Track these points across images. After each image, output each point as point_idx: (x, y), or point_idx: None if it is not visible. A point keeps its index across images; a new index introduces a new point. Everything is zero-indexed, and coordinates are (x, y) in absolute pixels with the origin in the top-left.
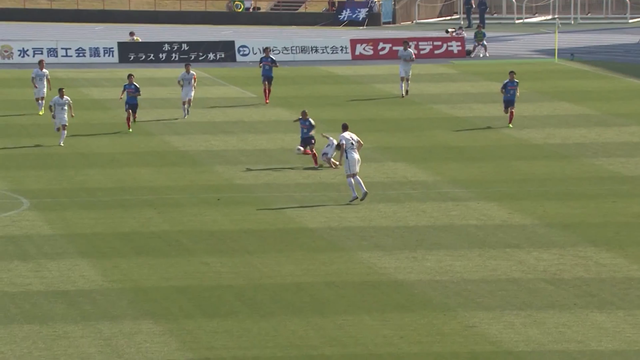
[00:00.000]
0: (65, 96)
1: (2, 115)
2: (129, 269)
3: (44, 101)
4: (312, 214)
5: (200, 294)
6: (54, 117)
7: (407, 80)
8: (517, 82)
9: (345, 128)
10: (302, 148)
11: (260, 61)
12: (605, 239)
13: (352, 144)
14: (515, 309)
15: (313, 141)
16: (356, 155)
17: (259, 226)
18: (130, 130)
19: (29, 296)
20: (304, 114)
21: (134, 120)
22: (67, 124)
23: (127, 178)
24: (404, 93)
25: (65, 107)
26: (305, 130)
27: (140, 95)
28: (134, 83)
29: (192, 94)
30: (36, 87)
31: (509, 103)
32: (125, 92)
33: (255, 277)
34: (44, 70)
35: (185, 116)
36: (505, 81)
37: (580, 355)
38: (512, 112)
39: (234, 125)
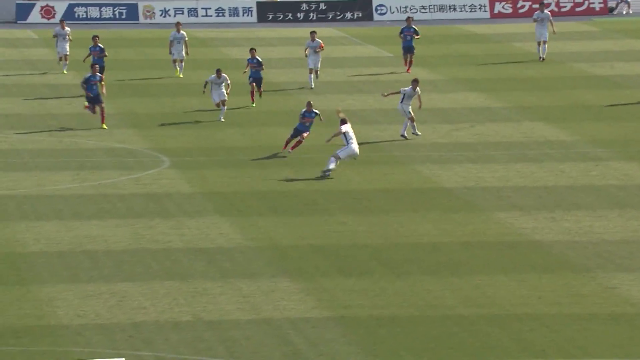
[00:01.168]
0: (223, 74)
1: (144, 77)
2: (266, 227)
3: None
4: (448, 174)
5: (336, 253)
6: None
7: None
8: (413, 28)
9: (343, 122)
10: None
11: (402, 32)
12: None
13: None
14: None
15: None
16: (356, 149)
17: (394, 186)
18: (254, 104)
19: (170, 253)
20: (309, 105)
21: (260, 95)
22: (226, 99)
23: (264, 137)
24: (542, 56)
25: (222, 86)
26: (307, 125)
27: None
28: (257, 57)
29: (319, 62)
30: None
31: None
32: (248, 67)
33: (391, 237)
34: (66, 29)
35: (311, 85)
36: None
37: None
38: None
39: (370, 85)
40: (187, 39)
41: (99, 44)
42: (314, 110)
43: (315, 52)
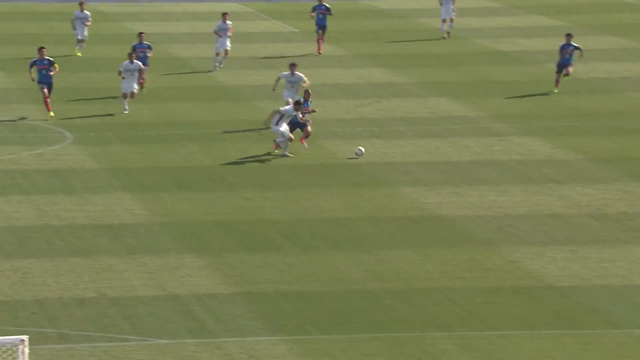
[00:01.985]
0: (136, 61)
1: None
2: (172, 203)
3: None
4: (354, 149)
5: (243, 229)
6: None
7: (451, 20)
8: (573, 45)
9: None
10: (361, 149)
11: (314, 9)
12: None
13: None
14: (558, 244)
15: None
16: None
17: (300, 161)
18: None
19: (74, 229)
20: (307, 93)
21: (142, 88)
22: (135, 91)
23: (170, 113)
24: (448, 32)
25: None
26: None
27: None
28: (145, 42)
29: (229, 44)
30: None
31: (564, 66)
32: (135, 53)
33: (298, 212)
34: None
35: (216, 68)
36: (562, 44)
37: (624, 290)
38: (566, 74)
39: (276, 60)
40: (90, 19)
41: None
42: (310, 100)
43: (226, 35)
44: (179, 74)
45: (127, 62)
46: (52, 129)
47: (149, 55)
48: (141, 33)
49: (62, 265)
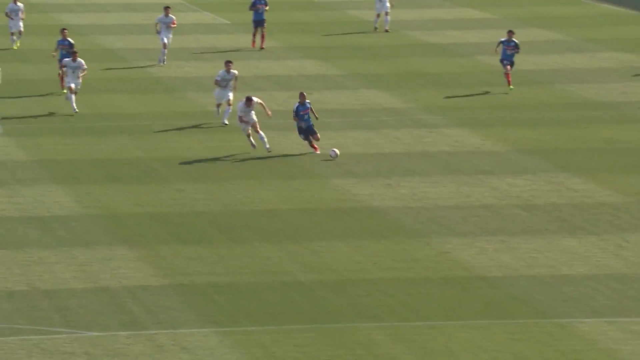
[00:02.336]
0: (79, 59)
1: None
2: (103, 195)
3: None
4: (286, 141)
5: (174, 221)
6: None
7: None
8: (514, 42)
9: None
10: (336, 151)
11: (253, 4)
12: (577, 165)
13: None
14: (488, 234)
15: (314, 128)
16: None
17: (232, 153)
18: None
19: (3, 222)
20: (302, 96)
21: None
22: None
23: (101, 104)
24: (386, 27)
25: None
26: (306, 117)
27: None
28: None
29: (170, 38)
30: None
31: (508, 62)
32: (59, 49)
33: (230, 204)
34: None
35: (160, 62)
36: (502, 39)
37: (552, 280)
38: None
39: (207, 53)
40: (23, 11)
41: None
42: (307, 101)
43: (168, 28)
44: (111, 66)
45: (69, 59)
46: None
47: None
48: (64, 29)
49: None
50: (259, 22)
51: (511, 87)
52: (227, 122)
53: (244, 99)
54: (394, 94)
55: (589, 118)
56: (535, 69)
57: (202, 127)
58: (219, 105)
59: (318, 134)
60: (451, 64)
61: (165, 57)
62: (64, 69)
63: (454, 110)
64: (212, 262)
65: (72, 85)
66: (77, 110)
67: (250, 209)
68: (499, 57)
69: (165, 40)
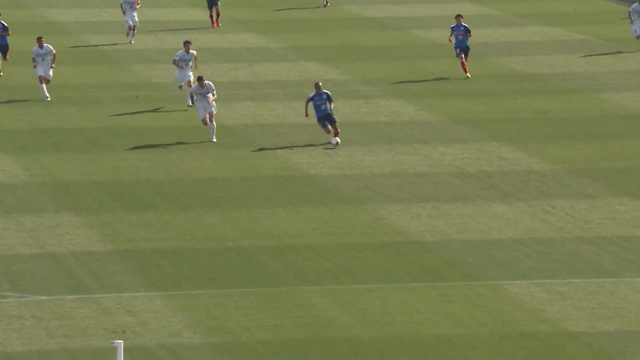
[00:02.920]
0: (46, 45)
1: None
2: (49, 164)
3: None
4: (228, 112)
5: (119, 189)
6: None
7: None
8: (464, 26)
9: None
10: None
11: None
12: (507, 134)
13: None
14: (422, 201)
15: (334, 117)
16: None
17: (176, 123)
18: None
19: None
20: (318, 87)
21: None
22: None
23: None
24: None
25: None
26: (323, 107)
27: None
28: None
29: (136, 17)
30: None
31: (462, 50)
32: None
33: (174, 172)
34: None
35: (130, 41)
36: (452, 25)
37: (482, 244)
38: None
39: (151, 25)
40: None
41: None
42: (325, 91)
43: (132, 8)
44: (53, 37)
45: (36, 47)
46: None
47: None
48: None
49: None
50: (213, 1)
51: (468, 75)
52: (191, 104)
53: (197, 80)
54: (332, 66)
55: (518, 89)
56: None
57: (147, 99)
58: (180, 87)
59: (337, 123)
60: (386, 37)
61: (132, 38)
62: (34, 58)
63: (389, 81)
64: (157, 229)
65: (43, 74)
66: (49, 98)
67: (193, 177)
68: (452, 45)
69: (131, 22)
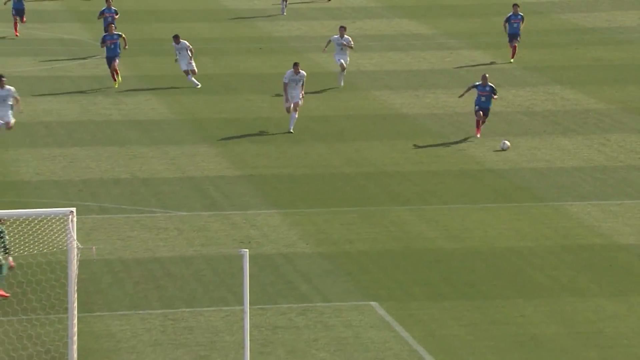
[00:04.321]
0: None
1: None
2: (188, 104)
3: None
4: (333, 61)
5: (245, 124)
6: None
7: None
8: (521, 15)
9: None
10: (506, 143)
11: None
12: (569, 79)
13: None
14: (496, 135)
15: (489, 113)
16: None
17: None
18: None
19: (111, 124)
20: (484, 78)
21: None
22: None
23: (185, 30)
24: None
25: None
26: (483, 99)
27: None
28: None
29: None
30: None
31: (513, 37)
32: None
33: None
34: None
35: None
36: (509, 14)
37: (547, 171)
38: (515, 47)
39: None
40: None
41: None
42: (489, 84)
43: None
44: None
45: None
46: (92, 43)
47: None
48: None
49: (102, 152)
50: None
51: (512, 60)
52: (292, 130)
53: (293, 65)
54: (420, 22)
55: (579, 41)
56: (535, 1)
57: (267, 50)
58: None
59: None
60: None
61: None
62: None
63: (469, 35)
64: (276, 158)
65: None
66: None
67: (306, 115)
68: (506, 31)
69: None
